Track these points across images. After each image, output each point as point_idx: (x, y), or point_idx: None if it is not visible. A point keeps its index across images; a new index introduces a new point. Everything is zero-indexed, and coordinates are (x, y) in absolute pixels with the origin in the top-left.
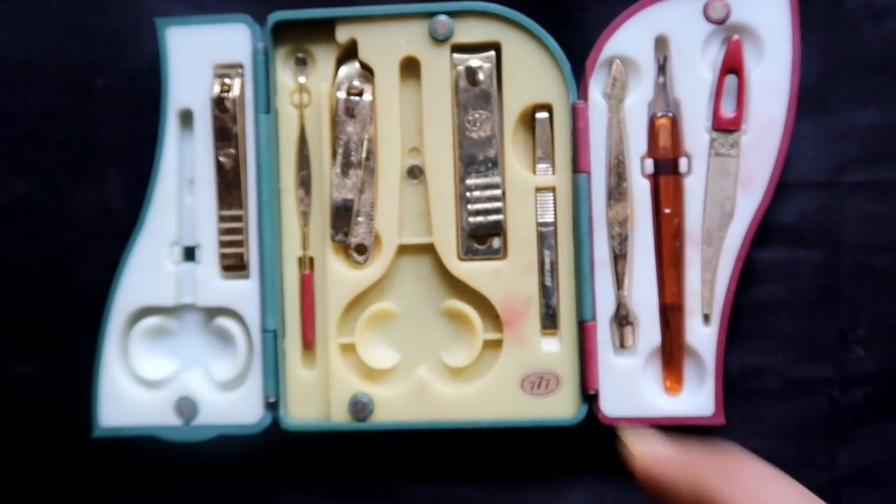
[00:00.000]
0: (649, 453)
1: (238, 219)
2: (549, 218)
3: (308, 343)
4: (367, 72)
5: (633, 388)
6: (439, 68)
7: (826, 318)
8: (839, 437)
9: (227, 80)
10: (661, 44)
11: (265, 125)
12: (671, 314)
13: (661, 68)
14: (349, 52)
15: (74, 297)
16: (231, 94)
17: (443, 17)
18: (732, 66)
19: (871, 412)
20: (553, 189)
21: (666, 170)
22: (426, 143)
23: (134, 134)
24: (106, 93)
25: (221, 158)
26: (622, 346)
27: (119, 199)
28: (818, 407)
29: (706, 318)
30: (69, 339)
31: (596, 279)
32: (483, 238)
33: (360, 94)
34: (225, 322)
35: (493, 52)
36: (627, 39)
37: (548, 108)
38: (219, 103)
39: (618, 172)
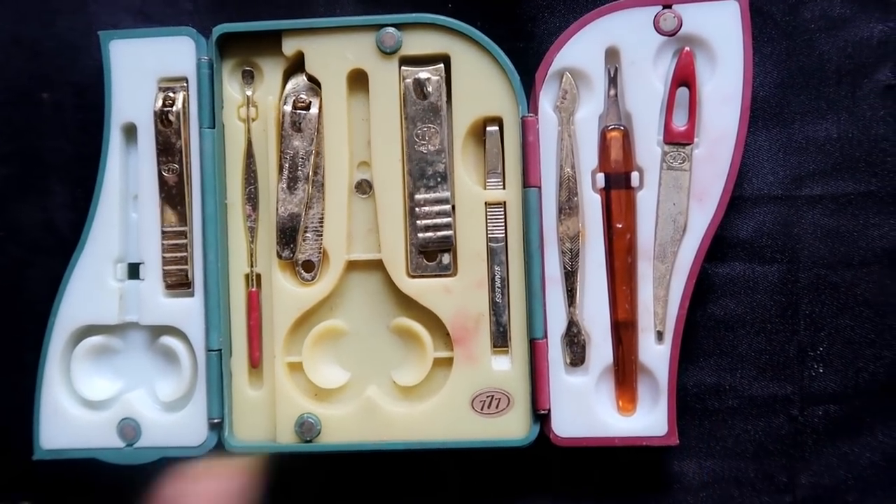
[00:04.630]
0: None
1: (182, 235)
2: (500, 233)
3: (254, 362)
4: (315, 84)
5: (585, 407)
6: (387, 81)
7: (785, 335)
8: (800, 456)
9: (170, 94)
10: (611, 56)
11: (209, 139)
12: (624, 331)
13: (613, 80)
14: (296, 65)
15: (18, 315)
16: (174, 108)
17: (390, 30)
18: (684, 78)
19: (832, 431)
20: (503, 204)
21: (617, 184)
22: (375, 158)
23: (80, 148)
24: (52, 106)
25: (165, 173)
26: (574, 364)
27: (65, 214)
28: (778, 426)
29: (659, 335)
30: (12, 358)
31: (547, 296)
32: (433, 254)
33: (307, 107)
34: (169, 341)
35: (441, 65)
36: (578, 51)
37: (498, 121)
38: (161, 117)
39: (568, 187)
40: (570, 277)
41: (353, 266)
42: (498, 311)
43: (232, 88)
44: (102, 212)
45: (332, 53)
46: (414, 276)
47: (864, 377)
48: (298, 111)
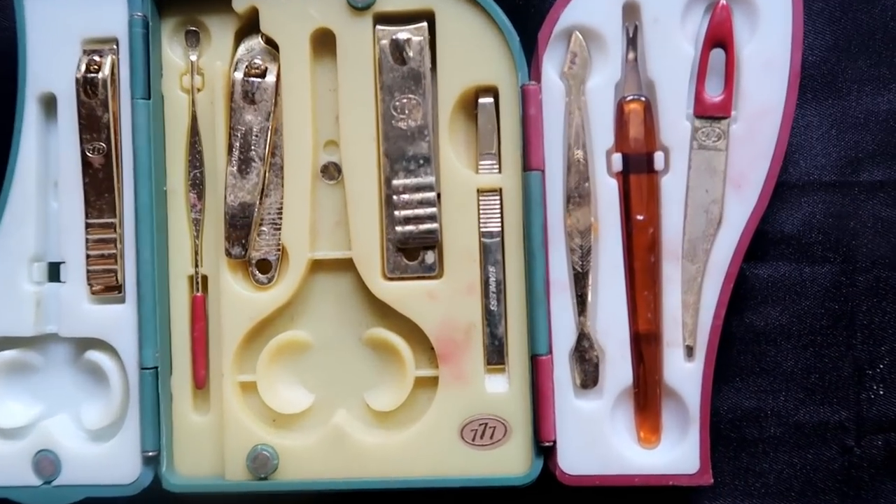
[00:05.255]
0: None
1: (110, 228)
2: (496, 227)
3: (199, 382)
4: (272, 48)
5: (598, 438)
6: (359, 43)
7: (838, 350)
8: (855, 495)
9: (95, 58)
10: (630, 11)
11: (143, 113)
12: (645, 346)
13: (632, 41)
14: (250, 25)
15: None
16: (100, 75)
17: None
18: (719, 38)
19: (893, 464)
20: (499, 191)
21: (638, 167)
22: (344, 136)
23: None
24: None
25: (89, 154)
26: (585, 386)
27: None
28: (829, 458)
29: (689, 350)
30: None
31: (552, 303)
32: (414, 252)
33: (263, 74)
34: (96, 356)
35: (424, 24)
36: (590, 6)
37: (492, 91)
38: (85, 86)
39: (578, 170)
40: (581, 281)
41: (317, 266)
42: (493, 322)
43: (173, 52)
44: (15, 201)
45: (292, 10)
46: (391, 279)
47: None
48: (252, 79)
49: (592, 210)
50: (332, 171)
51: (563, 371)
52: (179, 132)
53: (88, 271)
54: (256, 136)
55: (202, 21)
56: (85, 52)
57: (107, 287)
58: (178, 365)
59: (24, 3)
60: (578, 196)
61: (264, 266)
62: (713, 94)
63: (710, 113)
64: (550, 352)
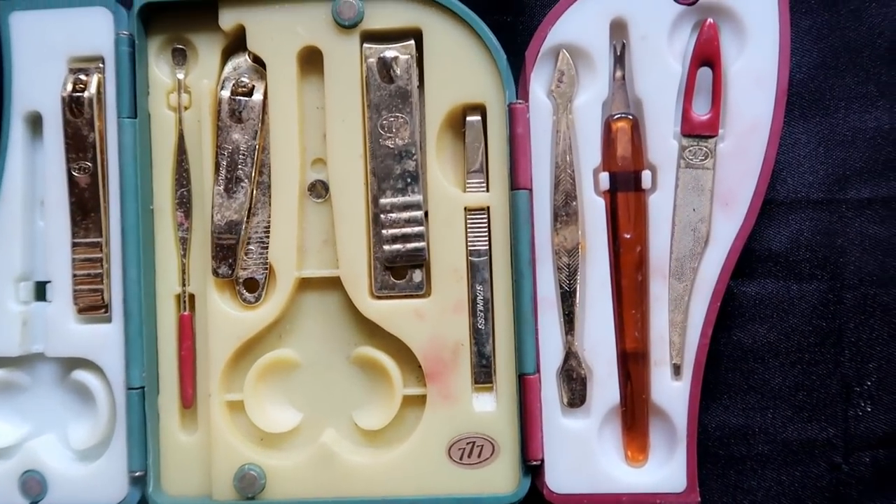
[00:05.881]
0: None
1: (97, 248)
2: (483, 245)
3: (186, 401)
4: (259, 66)
5: (586, 457)
6: (346, 61)
7: (826, 367)
8: None
9: (81, 77)
10: (618, 29)
11: (130, 132)
12: (633, 365)
13: (619, 59)
14: (237, 43)
15: None
16: (86, 94)
17: None
18: (707, 56)
19: (881, 481)
20: (487, 209)
21: (625, 185)
22: (331, 154)
23: None
24: None
25: (75, 173)
26: (572, 404)
27: None
28: (817, 475)
29: (676, 369)
30: None
31: (540, 322)
32: (401, 270)
33: (250, 92)
34: (82, 376)
35: (412, 42)
36: (577, 24)
37: (480, 109)
38: (71, 104)
39: (566, 189)
40: (568, 299)
41: (305, 285)
42: (480, 341)
43: (159, 70)
44: (1, 220)
45: (279, 28)
46: (379, 297)
47: None
48: (239, 98)
49: (580, 228)
50: (319, 190)
51: (550, 390)
52: (166, 151)
53: (75, 290)
54: (243, 154)
55: (189, 39)
56: (71, 70)
57: (93, 306)
58: (165, 384)
59: (10, 22)
60: (566, 214)
61: (251, 285)
62: (700, 112)
63: (698, 132)
64: (538, 371)
